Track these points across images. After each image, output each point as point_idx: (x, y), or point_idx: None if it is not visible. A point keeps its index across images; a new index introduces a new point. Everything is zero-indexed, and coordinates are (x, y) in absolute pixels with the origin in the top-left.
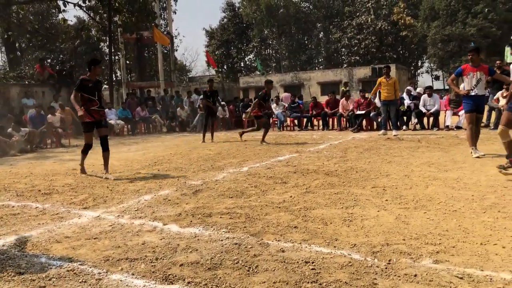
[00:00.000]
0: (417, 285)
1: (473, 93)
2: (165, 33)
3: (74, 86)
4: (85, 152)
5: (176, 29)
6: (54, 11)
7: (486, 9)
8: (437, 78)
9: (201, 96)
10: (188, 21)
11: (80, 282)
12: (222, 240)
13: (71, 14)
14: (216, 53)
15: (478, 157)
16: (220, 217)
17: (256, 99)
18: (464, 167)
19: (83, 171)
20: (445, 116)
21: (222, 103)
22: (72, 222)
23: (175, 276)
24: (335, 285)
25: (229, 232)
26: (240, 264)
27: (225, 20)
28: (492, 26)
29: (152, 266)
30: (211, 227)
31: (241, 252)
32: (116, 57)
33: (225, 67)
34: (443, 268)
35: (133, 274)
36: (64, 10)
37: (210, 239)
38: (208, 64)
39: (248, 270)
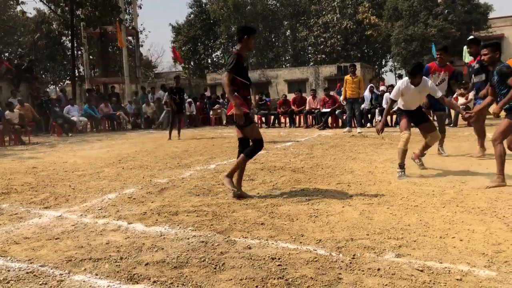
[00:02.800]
0: (380, 278)
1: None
2: (130, 28)
3: (228, 67)
4: (253, 154)
5: (141, 24)
6: (12, 2)
7: (446, 11)
8: (400, 76)
9: (167, 93)
10: (154, 17)
11: (41, 285)
12: (188, 239)
13: (31, 6)
14: (183, 49)
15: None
16: (187, 215)
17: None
18: (425, 163)
19: (239, 190)
20: None
21: (189, 100)
22: (32, 223)
23: (140, 275)
24: (300, 281)
25: (195, 230)
26: (207, 262)
27: (192, 16)
28: (451, 27)
29: (116, 266)
30: (177, 225)
31: (207, 250)
32: (79, 52)
33: (192, 64)
34: (405, 262)
35: (96, 275)
36: (23, 2)
37: (176, 237)
38: (174, 60)
39: (215, 268)
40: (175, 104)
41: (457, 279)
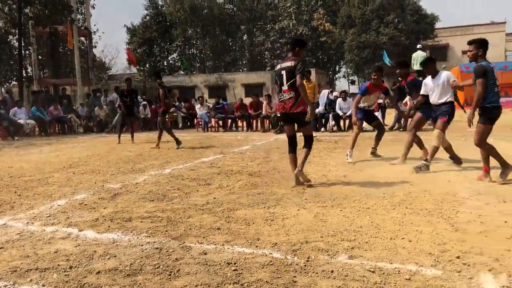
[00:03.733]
0: (334, 280)
1: (364, 107)
2: (82, 28)
3: (301, 71)
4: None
5: (94, 25)
6: None
7: (396, 20)
8: (353, 82)
9: None
10: (108, 17)
11: None
12: (142, 245)
13: None
14: (138, 51)
15: (349, 161)
16: (141, 221)
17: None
18: (377, 166)
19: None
20: None
21: (144, 102)
22: None
23: (91, 284)
24: (256, 285)
25: (149, 236)
26: (161, 269)
27: (148, 18)
28: (401, 35)
29: (65, 275)
30: (131, 232)
31: (162, 256)
32: (27, 52)
33: (147, 66)
34: (357, 263)
35: (43, 285)
36: None
37: (130, 244)
38: (129, 62)
39: (170, 275)
40: (126, 107)
41: (406, 279)
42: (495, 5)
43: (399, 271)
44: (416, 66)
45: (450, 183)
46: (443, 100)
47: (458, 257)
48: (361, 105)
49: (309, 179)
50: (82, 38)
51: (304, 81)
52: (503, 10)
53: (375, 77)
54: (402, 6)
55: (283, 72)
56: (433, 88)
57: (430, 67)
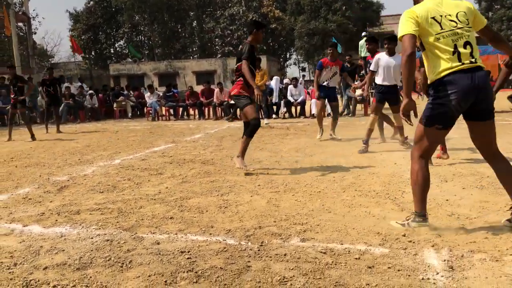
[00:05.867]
0: (287, 263)
1: (325, 84)
2: (20, 13)
3: (244, 56)
4: (253, 133)
5: (33, 10)
6: None
7: (344, 7)
8: (303, 69)
9: (66, 84)
10: (49, 2)
11: None
12: (92, 238)
13: None
14: (82, 38)
15: (319, 139)
16: (90, 214)
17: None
18: (327, 151)
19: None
20: (310, 105)
21: (90, 91)
22: None
23: (38, 281)
24: (210, 272)
25: (100, 228)
26: (113, 261)
27: (92, 3)
28: (349, 22)
29: (9, 273)
30: (80, 225)
31: (113, 248)
32: None
33: (93, 53)
34: (309, 246)
35: None
36: None
37: (79, 237)
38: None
39: (121, 266)
40: (50, 96)
41: (356, 258)
42: None
43: (349, 251)
44: (363, 53)
45: (396, 165)
46: (397, 83)
47: (404, 235)
48: (322, 82)
49: (246, 166)
50: (20, 24)
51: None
52: None
53: (330, 51)
54: None
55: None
56: (387, 67)
57: (391, 44)
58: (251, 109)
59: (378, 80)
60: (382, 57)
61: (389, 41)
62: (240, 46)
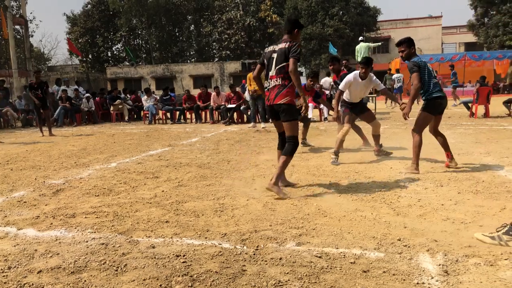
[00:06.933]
0: (282, 267)
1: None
2: (17, 16)
3: (296, 54)
4: (294, 151)
5: (31, 13)
6: None
7: (341, 12)
8: (300, 74)
9: (62, 87)
10: (46, 5)
11: None
12: (87, 241)
13: None
14: (80, 41)
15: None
16: (85, 217)
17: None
18: (323, 156)
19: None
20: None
21: (87, 95)
22: None
23: (32, 284)
24: (205, 276)
25: (95, 232)
26: (108, 265)
27: (89, 6)
28: (346, 27)
29: (3, 276)
30: (75, 228)
31: (108, 252)
32: None
33: (90, 57)
34: (305, 250)
35: None
36: None
37: (74, 241)
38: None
39: (116, 270)
40: (39, 100)
41: (351, 262)
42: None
43: (344, 255)
44: (360, 58)
45: (392, 169)
46: (362, 98)
47: (399, 240)
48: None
49: (287, 195)
50: (17, 27)
51: (252, 73)
52: (439, 5)
53: (311, 82)
54: None
55: (274, 55)
56: (360, 87)
57: (370, 68)
58: (297, 125)
59: (346, 97)
60: (354, 79)
61: (364, 65)
62: (286, 44)
